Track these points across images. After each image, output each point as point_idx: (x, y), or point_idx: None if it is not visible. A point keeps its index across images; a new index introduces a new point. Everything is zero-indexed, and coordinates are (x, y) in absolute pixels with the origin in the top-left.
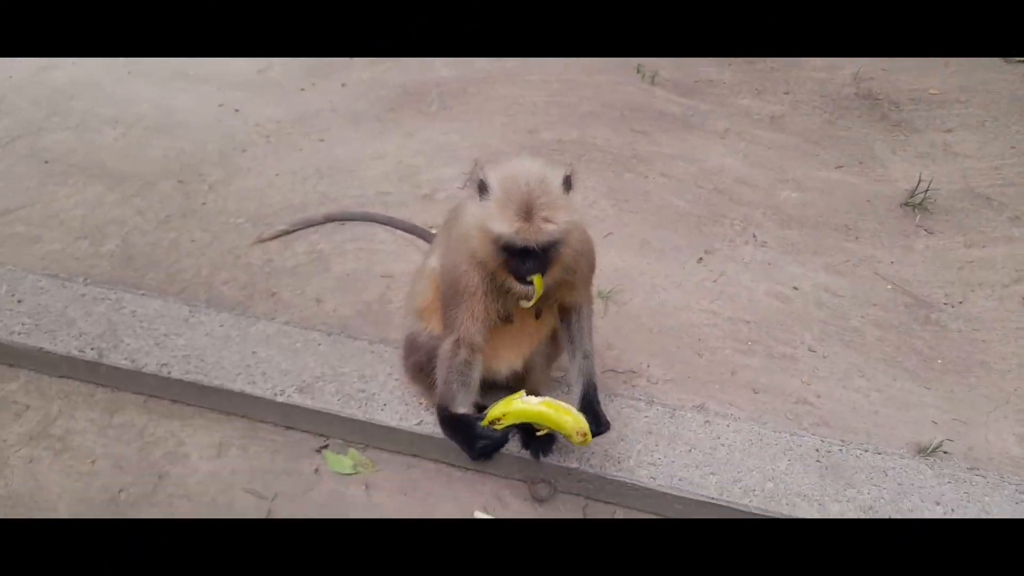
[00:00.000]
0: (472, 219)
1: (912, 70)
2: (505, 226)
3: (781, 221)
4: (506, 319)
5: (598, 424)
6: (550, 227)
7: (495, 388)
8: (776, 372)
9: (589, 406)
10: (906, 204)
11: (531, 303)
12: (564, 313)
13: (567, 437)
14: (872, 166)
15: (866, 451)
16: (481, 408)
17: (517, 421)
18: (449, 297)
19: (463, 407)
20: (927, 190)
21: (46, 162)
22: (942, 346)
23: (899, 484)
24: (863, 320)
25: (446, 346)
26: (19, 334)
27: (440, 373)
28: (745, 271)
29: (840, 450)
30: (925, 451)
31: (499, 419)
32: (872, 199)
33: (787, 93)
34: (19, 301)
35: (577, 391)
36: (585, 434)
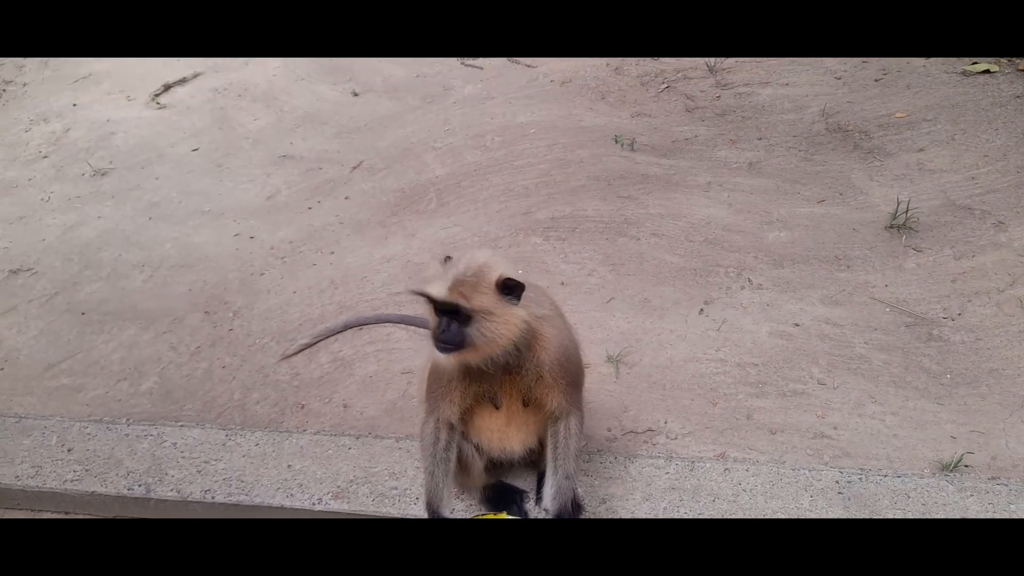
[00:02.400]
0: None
1: (876, 98)
2: (426, 282)
3: (773, 262)
4: (492, 402)
5: None
6: (456, 295)
7: (515, 467)
8: (790, 410)
9: None
10: (891, 227)
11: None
12: (550, 422)
13: None
14: (852, 195)
15: (885, 476)
16: (499, 488)
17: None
18: (431, 381)
19: (448, 506)
20: (908, 210)
21: (83, 313)
22: (948, 360)
23: (923, 504)
24: (867, 346)
25: (427, 429)
26: (71, 481)
27: (423, 461)
28: (745, 315)
29: (860, 479)
30: (948, 467)
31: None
32: (857, 227)
33: (760, 139)
34: (69, 450)
35: (551, 515)
36: None
